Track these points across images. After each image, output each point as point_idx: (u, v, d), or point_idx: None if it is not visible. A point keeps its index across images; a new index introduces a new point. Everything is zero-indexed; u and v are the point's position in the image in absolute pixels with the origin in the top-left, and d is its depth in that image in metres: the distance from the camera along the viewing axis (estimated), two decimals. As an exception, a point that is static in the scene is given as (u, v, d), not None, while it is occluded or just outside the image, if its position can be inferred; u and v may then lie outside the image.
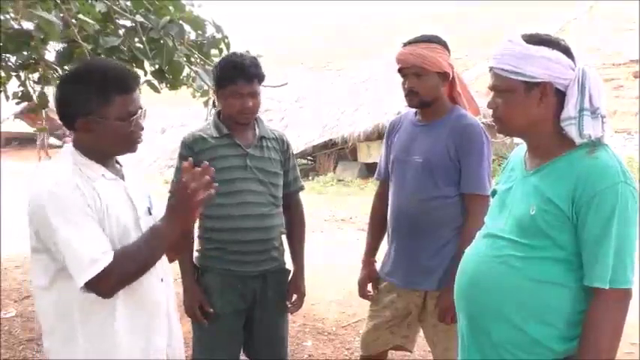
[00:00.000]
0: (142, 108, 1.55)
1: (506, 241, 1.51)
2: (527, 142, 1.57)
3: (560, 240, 1.43)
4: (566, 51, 1.46)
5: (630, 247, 1.39)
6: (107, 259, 1.40)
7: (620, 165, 1.40)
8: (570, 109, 1.42)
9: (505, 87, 1.48)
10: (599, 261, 1.37)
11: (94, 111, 1.48)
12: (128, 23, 2.99)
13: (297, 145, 12.07)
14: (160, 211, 1.57)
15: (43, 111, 3.65)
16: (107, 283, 1.41)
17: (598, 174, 1.38)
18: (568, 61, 1.44)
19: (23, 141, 21.76)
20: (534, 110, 1.46)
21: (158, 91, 3.35)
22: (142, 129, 1.57)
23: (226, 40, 3.26)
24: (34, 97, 3.36)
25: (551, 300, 1.44)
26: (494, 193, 1.70)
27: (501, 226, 1.54)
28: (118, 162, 1.64)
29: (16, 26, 2.66)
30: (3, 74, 3.13)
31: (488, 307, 1.51)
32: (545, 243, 1.44)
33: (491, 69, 1.51)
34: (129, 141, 1.55)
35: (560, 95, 1.45)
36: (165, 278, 1.65)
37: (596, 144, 1.43)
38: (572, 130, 1.43)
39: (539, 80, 1.43)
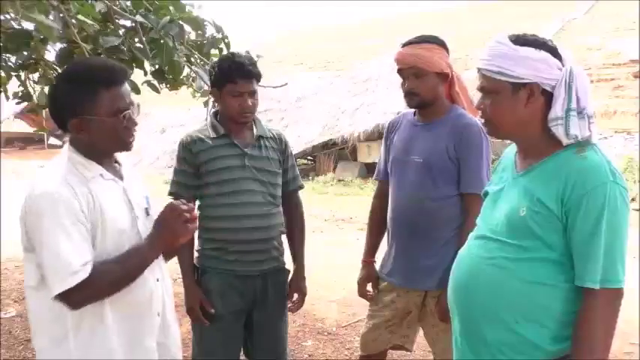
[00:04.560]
0: (133, 104, 1.53)
1: (498, 242, 1.51)
2: (517, 143, 1.57)
3: (550, 241, 1.42)
4: (553, 51, 1.45)
5: (620, 246, 1.38)
6: (85, 273, 1.38)
7: (608, 164, 1.40)
8: (557, 109, 1.42)
9: (492, 88, 1.48)
10: (589, 261, 1.37)
11: (84, 109, 1.47)
12: (128, 23, 2.99)
13: (297, 145, 12.06)
14: (157, 211, 1.56)
15: (43, 111, 3.65)
16: (78, 297, 1.39)
17: (586, 174, 1.38)
18: (555, 62, 1.43)
19: (24, 141, 21.78)
20: (522, 111, 1.46)
21: (158, 91, 3.35)
22: (136, 124, 1.55)
23: (226, 40, 3.25)
24: (34, 97, 3.36)
25: (543, 300, 1.44)
26: (485, 194, 1.69)
27: (493, 227, 1.54)
28: (117, 161, 1.63)
29: (16, 26, 2.65)
30: (3, 74, 3.13)
31: (481, 309, 1.51)
32: (536, 244, 1.44)
33: (479, 70, 1.51)
34: (122, 138, 1.53)
35: (548, 96, 1.44)
36: (161, 278, 1.64)
37: (584, 144, 1.43)
38: (559, 131, 1.43)
39: (525, 81, 1.43)
